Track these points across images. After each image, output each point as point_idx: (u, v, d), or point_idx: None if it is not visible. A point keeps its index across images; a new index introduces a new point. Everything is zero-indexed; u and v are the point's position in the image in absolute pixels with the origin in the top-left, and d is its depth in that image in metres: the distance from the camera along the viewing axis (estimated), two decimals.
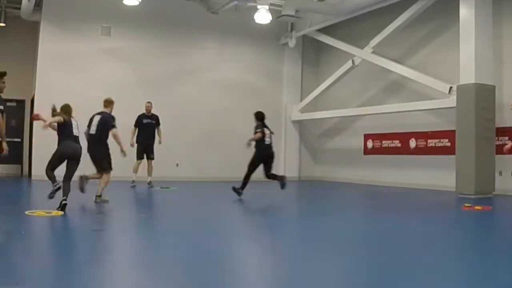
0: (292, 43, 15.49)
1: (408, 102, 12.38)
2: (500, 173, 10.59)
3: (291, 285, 3.55)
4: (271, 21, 13.55)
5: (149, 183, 11.28)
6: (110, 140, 7.97)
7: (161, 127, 11.53)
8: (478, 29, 10.13)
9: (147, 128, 11.32)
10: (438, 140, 12.29)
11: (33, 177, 12.27)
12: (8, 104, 12.18)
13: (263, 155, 9.21)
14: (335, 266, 4.22)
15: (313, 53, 16.53)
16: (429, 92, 11.91)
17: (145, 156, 11.29)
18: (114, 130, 7.90)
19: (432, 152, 12.40)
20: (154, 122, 11.43)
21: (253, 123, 9.51)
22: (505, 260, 4.36)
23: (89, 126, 7.98)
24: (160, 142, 11.44)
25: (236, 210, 8.42)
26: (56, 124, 7.00)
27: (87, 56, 13.21)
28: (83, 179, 7.74)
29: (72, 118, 7.13)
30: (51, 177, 6.88)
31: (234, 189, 9.23)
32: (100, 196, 7.80)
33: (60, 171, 6.96)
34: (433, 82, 11.59)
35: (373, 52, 13.36)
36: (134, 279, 3.67)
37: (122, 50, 13.73)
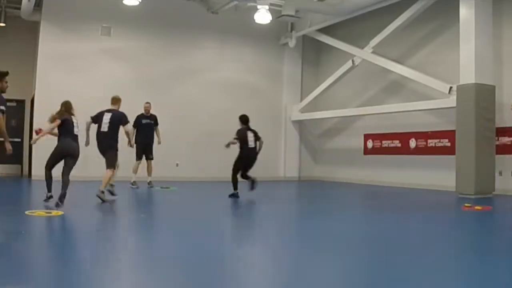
0: (292, 43, 15.49)
1: (408, 102, 12.38)
2: (500, 173, 10.59)
3: (291, 285, 3.55)
4: (271, 21, 13.55)
5: (149, 183, 11.29)
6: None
7: (160, 127, 11.53)
8: (478, 29, 10.13)
9: (146, 128, 11.31)
10: (438, 140, 12.28)
11: (33, 177, 12.27)
12: (8, 104, 12.15)
13: (246, 156, 9.30)
14: (335, 266, 4.22)
15: (313, 53, 16.53)
16: (429, 92, 11.91)
17: (144, 156, 11.30)
18: (128, 125, 8.17)
19: (432, 152, 12.40)
20: (153, 122, 11.44)
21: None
22: (505, 260, 4.36)
23: (95, 122, 8.06)
24: (159, 142, 11.45)
25: (236, 210, 8.41)
26: (56, 129, 7.21)
27: (87, 56, 13.21)
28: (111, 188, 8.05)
29: (73, 116, 7.22)
30: (47, 181, 7.23)
31: (230, 195, 9.28)
32: (103, 192, 7.76)
33: (60, 171, 7.05)
34: (433, 82, 11.60)
35: (373, 52, 13.37)
36: (134, 279, 3.68)
37: (122, 50, 13.73)
